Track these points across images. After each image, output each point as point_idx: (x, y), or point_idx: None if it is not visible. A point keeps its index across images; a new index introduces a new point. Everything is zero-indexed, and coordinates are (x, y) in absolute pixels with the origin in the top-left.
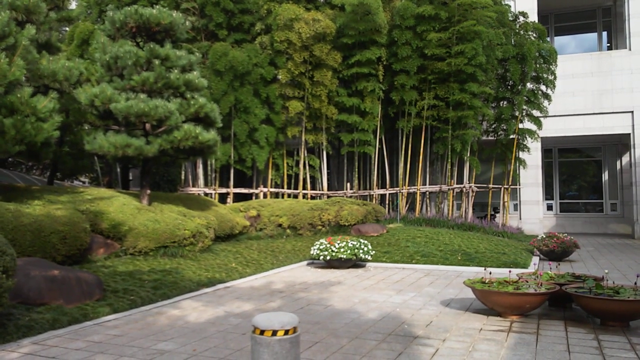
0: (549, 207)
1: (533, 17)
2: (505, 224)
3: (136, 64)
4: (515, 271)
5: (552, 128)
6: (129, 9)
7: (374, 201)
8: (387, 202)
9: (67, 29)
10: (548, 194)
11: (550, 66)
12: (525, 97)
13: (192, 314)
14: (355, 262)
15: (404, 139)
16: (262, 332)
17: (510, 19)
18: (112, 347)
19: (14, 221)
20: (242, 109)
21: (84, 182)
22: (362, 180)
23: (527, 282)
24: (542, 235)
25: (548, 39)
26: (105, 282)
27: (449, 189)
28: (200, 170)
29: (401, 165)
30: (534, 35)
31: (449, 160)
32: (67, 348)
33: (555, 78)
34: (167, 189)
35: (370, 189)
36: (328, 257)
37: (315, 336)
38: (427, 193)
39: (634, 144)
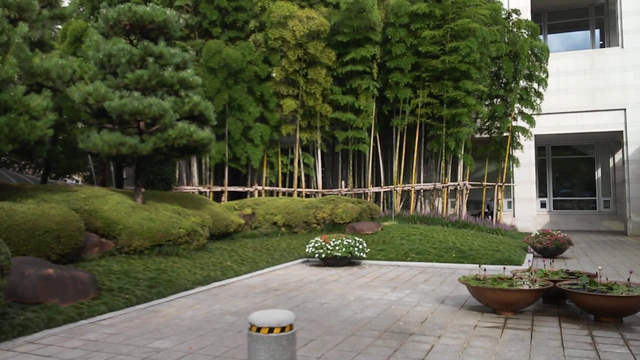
0: (543, 205)
1: (526, 14)
2: (499, 221)
3: (130, 61)
4: (510, 268)
5: (546, 125)
6: (123, 6)
7: (368, 199)
8: (381, 200)
9: (59, 26)
10: (541, 191)
11: (543, 64)
12: (518, 95)
13: (188, 312)
14: (350, 260)
15: (398, 137)
16: (258, 330)
17: (503, 16)
18: (108, 345)
19: (7, 220)
20: (236, 107)
21: (77, 181)
22: (356, 178)
23: (522, 279)
24: (536, 233)
25: (541, 36)
26: (100, 281)
27: (443, 187)
28: (194, 169)
29: (395, 163)
30: (527, 32)
31: (443, 158)
32: (62, 347)
33: (547, 76)
34: (162, 188)
35: (364, 187)
36: (323, 255)
37: (311, 333)
38: (422, 191)
39: (626, 142)
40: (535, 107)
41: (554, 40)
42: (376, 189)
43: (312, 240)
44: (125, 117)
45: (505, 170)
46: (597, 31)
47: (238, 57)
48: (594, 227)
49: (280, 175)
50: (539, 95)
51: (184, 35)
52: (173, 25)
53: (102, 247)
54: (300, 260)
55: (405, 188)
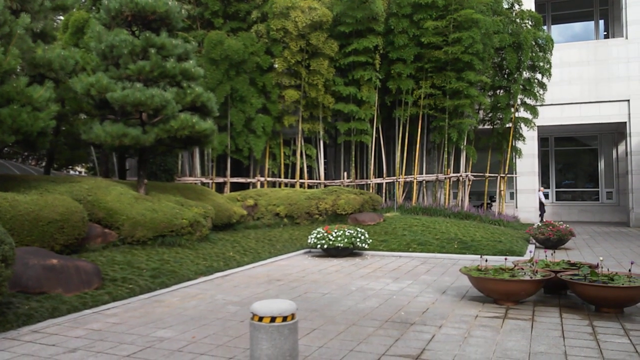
0: (545, 196)
1: (530, 5)
2: (501, 212)
3: (132, 52)
4: (511, 259)
5: (549, 117)
6: None
7: (370, 190)
8: (384, 191)
9: (61, 17)
10: (544, 182)
11: (546, 54)
12: (521, 86)
13: (191, 302)
14: (352, 251)
15: (401, 128)
16: (260, 319)
17: (506, 7)
18: (112, 334)
19: (11, 210)
20: (238, 98)
21: (79, 172)
22: (359, 170)
23: (523, 269)
24: (538, 224)
25: (545, 27)
26: (104, 271)
27: (445, 178)
28: (197, 160)
29: (398, 154)
30: (530, 23)
31: (446, 149)
32: (67, 336)
33: (551, 66)
34: (164, 179)
35: (367, 178)
36: (325, 246)
37: (313, 323)
38: (424, 182)
39: (629, 133)
40: (539, 98)
41: (557, 30)
42: (378, 180)
43: (314, 231)
44: (127, 108)
45: (507, 162)
46: (602, 22)
47: (240, 48)
48: (596, 218)
49: (282, 166)
50: (542, 86)
51: (186, 26)
52: (175, 16)
53: (105, 237)
54: (303, 251)
55: (408, 179)
